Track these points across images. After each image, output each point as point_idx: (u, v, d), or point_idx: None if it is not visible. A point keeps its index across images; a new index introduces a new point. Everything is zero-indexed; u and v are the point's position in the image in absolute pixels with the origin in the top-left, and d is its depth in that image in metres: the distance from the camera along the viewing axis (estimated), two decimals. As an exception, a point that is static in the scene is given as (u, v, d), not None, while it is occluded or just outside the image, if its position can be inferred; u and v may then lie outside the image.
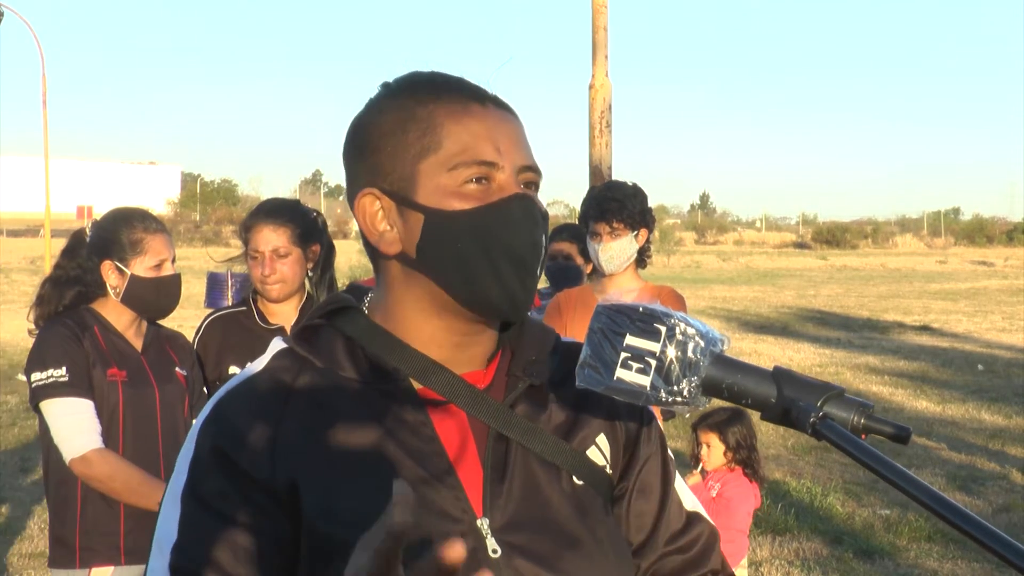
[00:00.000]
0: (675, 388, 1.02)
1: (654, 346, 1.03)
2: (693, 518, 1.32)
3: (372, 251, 1.21)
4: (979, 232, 69.11)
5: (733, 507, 4.22)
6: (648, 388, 1.03)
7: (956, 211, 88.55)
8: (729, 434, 4.27)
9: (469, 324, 1.19)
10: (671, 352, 1.03)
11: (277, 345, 1.22)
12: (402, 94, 1.20)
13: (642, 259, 3.91)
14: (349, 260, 25.71)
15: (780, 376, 1.03)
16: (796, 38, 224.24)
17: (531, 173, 1.19)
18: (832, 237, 63.31)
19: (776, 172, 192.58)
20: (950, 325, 19.03)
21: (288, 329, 3.16)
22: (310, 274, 3.22)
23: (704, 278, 33.87)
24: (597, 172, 7.70)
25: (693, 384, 1.03)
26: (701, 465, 4.32)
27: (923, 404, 10.77)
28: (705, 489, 4.25)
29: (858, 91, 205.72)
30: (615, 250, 3.78)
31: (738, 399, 1.04)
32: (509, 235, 1.14)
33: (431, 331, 1.18)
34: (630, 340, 1.04)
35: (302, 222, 3.16)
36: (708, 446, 4.30)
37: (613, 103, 7.87)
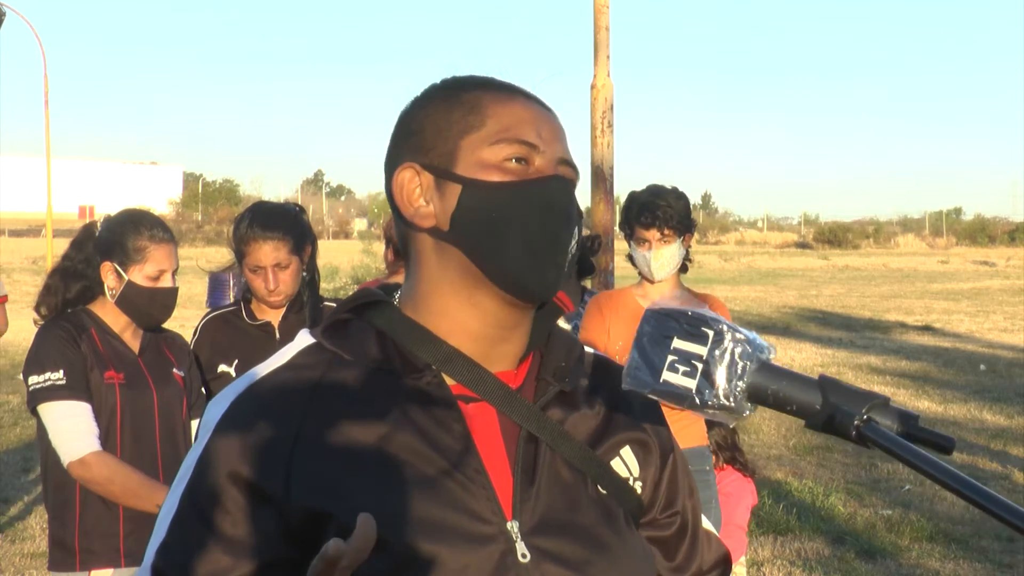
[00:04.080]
0: (720, 392, 1.02)
1: (701, 350, 1.03)
2: (711, 538, 1.32)
3: (404, 229, 1.21)
4: (981, 232, 69.12)
5: (732, 503, 4.25)
6: (694, 391, 1.03)
7: (958, 211, 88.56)
8: (709, 438, 4.30)
9: (502, 311, 1.17)
10: (718, 356, 1.03)
11: (304, 340, 1.20)
12: (449, 86, 1.22)
13: (684, 264, 3.87)
14: (352, 260, 25.68)
15: (826, 384, 1.03)
16: (798, 38, 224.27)
17: (569, 168, 1.20)
18: (834, 237, 63.35)
19: (778, 172, 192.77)
20: (952, 325, 19.02)
21: (276, 325, 3.22)
22: (304, 275, 3.24)
23: (706, 278, 33.85)
24: (599, 172, 7.69)
25: (739, 389, 1.02)
26: None
27: (925, 404, 10.76)
28: None
29: (860, 91, 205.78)
30: (666, 257, 3.73)
31: (783, 406, 1.03)
32: (544, 212, 1.15)
33: (464, 319, 1.17)
34: (677, 343, 1.05)
35: (297, 230, 3.17)
36: None
37: (615, 103, 7.86)
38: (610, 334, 3.80)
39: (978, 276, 35.48)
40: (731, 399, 1.02)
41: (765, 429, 9.05)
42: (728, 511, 4.20)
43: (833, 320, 20.17)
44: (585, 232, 5.84)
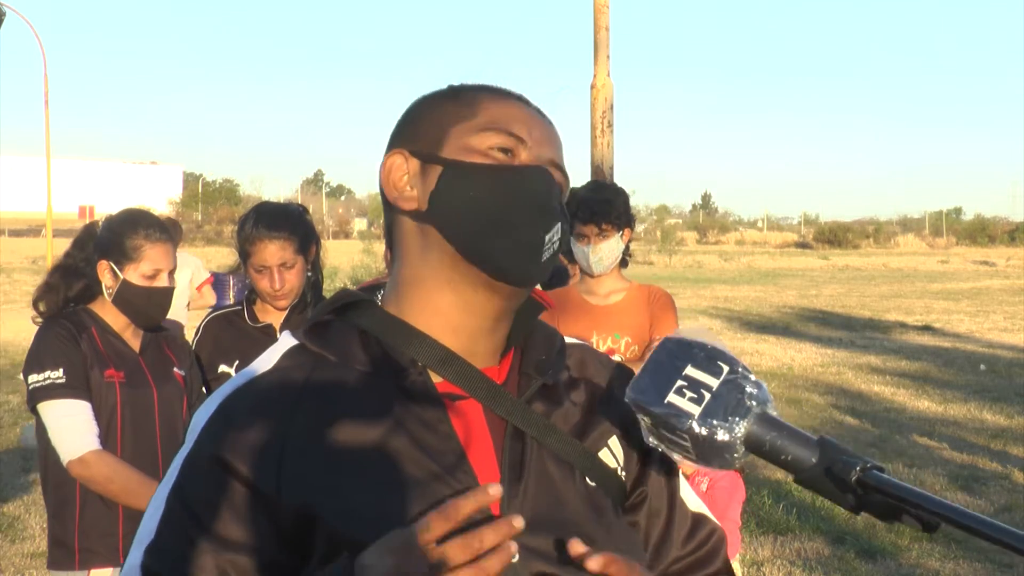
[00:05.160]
0: (720, 425, 1.03)
1: (712, 381, 1.05)
2: (699, 519, 1.32)
3: (390, 215, 1.22)
4: (981, 232, 69.14)
5: (727, 495, 4.25)
6: (695, 416, 1.04)
7: (958, 211, 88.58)
8: None
9: (482, 299, 1.17)
10: (728, 391, 1.04)
11: (287, 342, 1.19)
12: (454, 86, 1.25)
13: (624, 259, 3.92)
14: (351, 260, 25.67)
15: (825, 442, 1.04)
16: (798, 38, 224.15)
17: (557, 171, 1.21)
18: (834, 237, 63.35)
19: (778, 172, 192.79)
20: (952, 325, 19.00)
21: (277, 327, 3.21)
22: (308, 275, 3.24)
23: (706, 278, 33.86)
24: (599, 172, 7.70)
25: (738, 428, 1.03)
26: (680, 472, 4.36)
27: (925, 404, 10.75)
28: (693, 486, 4.26)
29: (860, 91, 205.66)
30: (605, 251, 3.79)
31: (777, 455, 1.04)
32: (524, 197, 1.15)
33: (446, 310, 1.17)
34: (691, 371, 1.06)
35: (301, 229, 3.18)
36: None
37: (615, 103, 7.87)
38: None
39: (978, 276, 35.46)
40: (729, 436, 1.03)
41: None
42: (723, 507, 4.21)
43: (833, 320, 20.15)
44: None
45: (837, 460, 1.01)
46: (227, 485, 1.09)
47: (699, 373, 1.06)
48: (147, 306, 2.93)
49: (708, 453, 1.04)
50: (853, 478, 0.99)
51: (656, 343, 4.08)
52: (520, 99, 1.23)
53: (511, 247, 1.15)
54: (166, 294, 2.95)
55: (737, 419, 1.03)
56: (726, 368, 1.05)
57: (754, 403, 1.04)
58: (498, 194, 1.15)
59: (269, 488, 1.08)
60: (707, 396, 1.04)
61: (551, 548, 1.12)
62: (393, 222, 1.22)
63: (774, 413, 1.05)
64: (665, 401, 1.05)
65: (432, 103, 1.22)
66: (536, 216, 1.16)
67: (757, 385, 1.05)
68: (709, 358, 1.06)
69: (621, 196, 3.85)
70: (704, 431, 1.03)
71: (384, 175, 1.21)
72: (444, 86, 1.26)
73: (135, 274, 2.89)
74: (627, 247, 3.90)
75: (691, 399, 1.05)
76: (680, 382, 1.06)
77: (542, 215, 1.16)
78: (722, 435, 1.03)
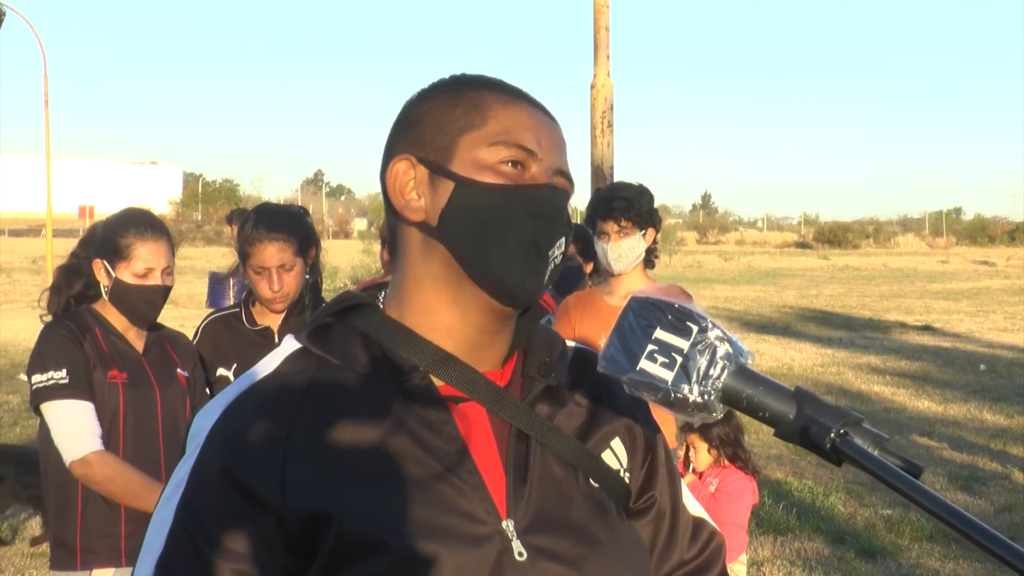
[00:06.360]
0: (695, 388, 1.01)
1: (683, 343, 1.03)
2: (699, 524, 1.33)
3: (394, 221, 1.21)
4: (981, 232, 69.07)
5: (733, 501, 4.26)
6: (669, 383, 1.02)
7: (958, 211, 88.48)
8: (712, 433, 4.34)
9: (483, 316, 1.17)
10: (699, 352, 1.02)
11: (290, 346, 1.19)
12: (454, 83, 1.22)
13: (650, 259, 3.90)
14: (351, 260, 25.67)
15: (801, 396, 1.03)
16: (798, 38, 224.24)
17: (564, 179, 1.20)
18: (834, 237, 63.29)
19: (778, 172, 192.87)
20: (952, 325, 19.01)
21: (275, 329, 3.20)
22: (307, 277, 3.23)
23: (706, 278, 33.85)
24: (599, 172, 7.71)
25: (714, 389, 1.02)
26: (692, 467, 4.38)
27: (925, 404, 10.76)
28: (703, 486, 4.30)
29: (860, 91, 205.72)
30: (624, 249, 3.78)
31: (755, 411, 1.03)
32: (533, 219, 1.15)
33: (447, 319, 1.17)
34: (659, 334, 1.04)
35: (301, 231, 3.17)
36: (693, 447, 4.38)
37: (615, 103, 7.88)
38: (576, 333, 3.84)
39: (978, 276, 35.45)
40: (705, 397, 1.02)
41: (765, 429, 9.02)
42: (728, 510, 4.22)
43: (833, 320, 20.15)
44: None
45: (813, 423, 1.00)
46: (235, 496, 1.08)
47: (668, 336, 1.03)
48: (139, 304, 2.93)
49: (685, 411, 1.03)
50: (828, 445, 0.99)
51: None
52: (527, 99, 1.21)
53: (518, 271, 1.15)
54: (158, 292, 2.95)
55: (710, 380, 1.02)
56: (695, 328, 1.03)
57: (727, 362, 1.02)
58: (510, 217, 1.14)
59: (275, 495, 1.08)
60: (679, 360, 1.02)
61: (557, 547, 1.13)
62: (397, 227, 1.21)
63: (749, 362, 1.04)
64: (637, 368, 1.03)
65: (435, 104, 1.20)
66: (544, 239, 1.16)
67: (729, 342, 1.03)
68: (677, 318, 1.04)
69: (644, 195, 3.84)
70: (679, 395, 1.02)
71: (390, 181, 1.20)
72: (446, 78, 1.23)
73: (127, 272, 2.90)
74: (653, 247, 3.89)
75: (663, 364, 1.02)
76: (651, 347, 1.03)
77: (550, 237, 1.16)
78: (696, 398, 1.02)
